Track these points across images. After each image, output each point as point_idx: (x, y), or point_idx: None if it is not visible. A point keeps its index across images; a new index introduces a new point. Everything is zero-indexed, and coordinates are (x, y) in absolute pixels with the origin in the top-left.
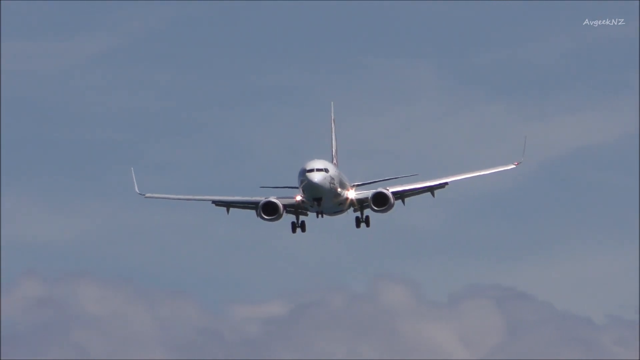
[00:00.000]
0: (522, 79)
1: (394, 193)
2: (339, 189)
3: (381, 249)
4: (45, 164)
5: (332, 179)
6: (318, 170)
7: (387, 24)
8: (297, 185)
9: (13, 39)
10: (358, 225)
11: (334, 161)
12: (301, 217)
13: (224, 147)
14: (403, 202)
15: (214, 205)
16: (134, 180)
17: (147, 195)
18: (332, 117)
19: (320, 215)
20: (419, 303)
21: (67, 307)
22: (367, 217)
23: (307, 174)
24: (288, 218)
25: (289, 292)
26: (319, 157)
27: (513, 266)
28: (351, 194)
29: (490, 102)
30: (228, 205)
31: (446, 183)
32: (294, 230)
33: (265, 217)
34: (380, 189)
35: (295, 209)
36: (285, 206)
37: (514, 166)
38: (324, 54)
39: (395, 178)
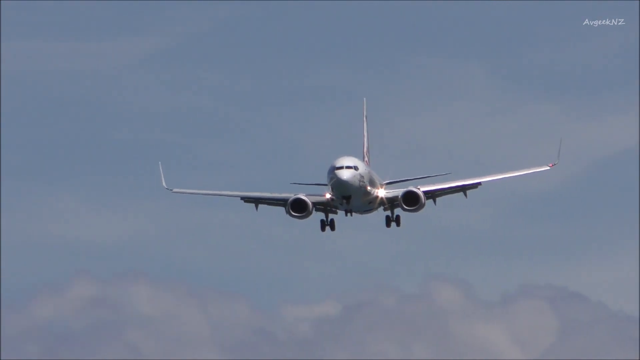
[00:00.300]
0: (571, 79)
1: (425, 192)
2: (368, 187)
3: (418, 248)
4: (94, 164)
5: (362, 176)
6: (347, 167)
7: (437, 24)
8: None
9: (63, 40)
10: (388, 225)
11: (366, 159)
12: (330, 215)
13: (272, 146)
14: (434, 201)
15: (242, 201)
16: (162, 175)
17: (175, 190)
18: (365, 114)
19: (349, 214)
20: (468, 303)
21: (117, 307)
22: (398, 216)
23: (336, 171)
24: (318, 216)
25: (337, 291)
26: (356, 156)
27: (560, 266)
28: (381, 192)
29: (538, 102)
30: (257, 201)
31: (479, 183)
32: (322, 229)
33: (294, 214)
34: (411, 188)
35: (324, 206)
36: (314, 204)
37: (549, 168)
38: (373, 54)
39: (427, 177)
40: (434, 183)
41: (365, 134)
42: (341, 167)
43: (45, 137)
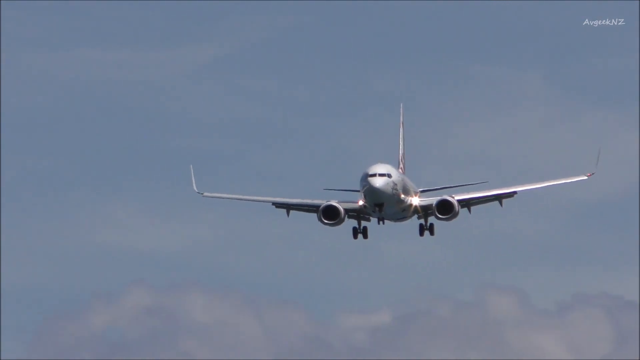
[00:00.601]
0: (629, 88)
1: (460, 201)
2: (402, 195)
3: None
4: (152, 173)
5: (395, 184)
6: (380, 175)
7: (492, 31)
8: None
9: (121, 49)
10: (422, 233)
11: (401, 165)
12: (363, 223)
13: (326, 153)
14: (469, 210)
15: (274, 207)
16: (193, 179)
17: (206, 194)
18: (401, 120)
19: (381, 222)
20: (521, 311)
21: (172, 316)
22: (432, 224)
23: (369, 178)
24: (350, 223)
25: (384, 300)
26: (392, 162)
27: (613, 275)
28: (415, 200)
29: (593, 110)
30: (288, 207)
31: (515, 192)
32: (355, 236)
33: (326, 221)
34: (445, 197)
35: (357, 213)
36: (346, 210)
37: (586, 177)
38: (428, 62)
39: (464, 185)
40: (469, 192)
41: (401, 139)
42: (374, 175)
43: (103, 146)
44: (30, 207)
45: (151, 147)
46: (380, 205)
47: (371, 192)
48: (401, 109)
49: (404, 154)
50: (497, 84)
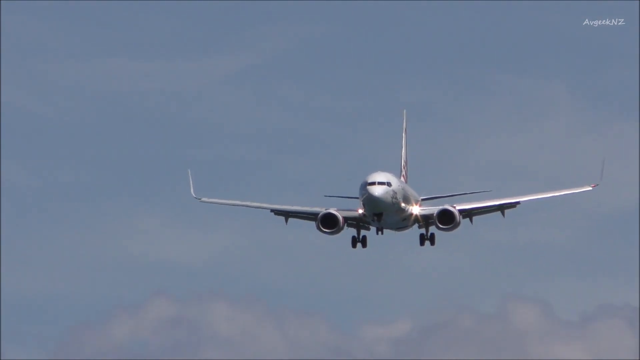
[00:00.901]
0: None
1: (461, 211)
2: (402, 204)
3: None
4: (176, 183)
5: (395, 193)
6: (380, 183)
7: (517, 42)
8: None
9: (149, 60)
10: (422, 243)
11: (403, 172)
12: (362, 232)
13: (351, 161)
14: (471, 220)
15: (272, 214)
16: (191, 184)
17: (203, 199)
18: (404, 127)
19: (380, 232)
20: (544, 323)
21: (194, 327)
22: (433, 234)
23: (368, 187)
24: (350, 231)
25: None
26: (396, 170)
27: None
28: (416, 209)
29: (618, 121)
30: (287, 214)
31: (518, 202)
32: (354, 245)
33: (324, 230)
34: (446, 206)
35: (356, 222)
36: (345, 219)
37: (591, 188)
38: (453, 72)
39: (466, 194)
40: (472, 201)
41: (403, 146)
42: (373, 183)
43: (130, 156)
44: (53, 217)
45: (177, 156)
46: (379, 215)
47: (370, 201)
48: (404, 116)
49: (406, 161)
50: (519, 94)
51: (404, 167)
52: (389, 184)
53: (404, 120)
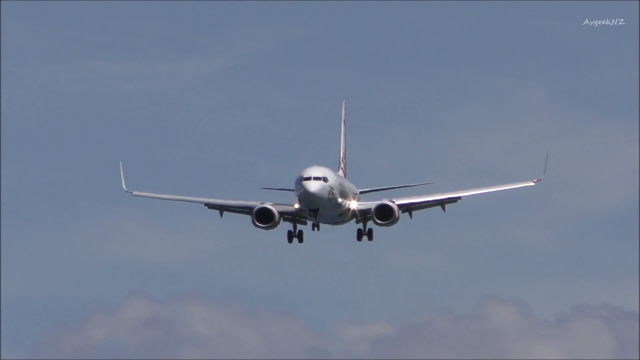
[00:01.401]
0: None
1: (401, 205)
2: (339, 199)
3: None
4: (157, 184)
5: (332, 188)
6: (316, 178)
7: (494, 42)
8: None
9: (127, 60)
10: (359, 238)
11: (342, 165)
12: (299, 227)
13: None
14: (410, 215)
15: (206, 207)
16: (122, 177)
17: (134, 193)
18: (343, 118)
19: (316, 228)
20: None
21: (173, 327)
22: (370, 230)
23: (304, 182)
24: (285, 226)
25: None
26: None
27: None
28: (353, 204)
29: (598, 122)
30: (221, 208)
31: (459, 197)
32: (290, 240)
33: (259, 224)
34: (384, 201)
35: (293, 216)
36: (281, 213)
37: (533, 183)
38: (432, 73)
39: (406, 187)
40: (411, 196)
41: (342, 138)
42: (309, 178)
43: (107, 157)
44: (33, 218)
45: (155, 158)
46: (315, 211)
47: (306, 197)
48: (343, 107)
49: (345, 154)
50: (497, 94)
51: (342, 160)
52: (325, 179)
53: (343, 111)
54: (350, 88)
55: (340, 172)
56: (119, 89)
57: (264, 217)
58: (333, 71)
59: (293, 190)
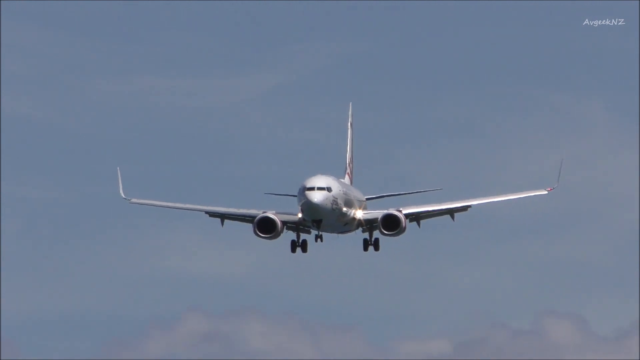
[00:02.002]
0: None
1: (408, 214)
2: (344, 209)
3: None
4: (212, 199)
5: (336, 198)
6: (319, 189)
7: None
8: None
9: (183, 77)
10: (366, 249)
11: (348, 170)
12: (303, 236)
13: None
14: (418, 224)
15: (207, 216)
16: (120, 184)
17: (133, 200)
18: (350, 121)
19: (319, 239)
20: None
21: (230, 343)
22: (377, 239)
23: (307, 192)
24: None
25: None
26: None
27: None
28: (359, 213)
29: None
30: (222, 217)
31: (469, 206)
32: (293, 250)
33: (261, 234)
34: (391, 211)
35: (296, 225)
36: (284, 223)
37: (547, 192)
38: (489, 87)
39: (415, 193)
40: (418, 205)
41: (349, 142)
42: (312, 188)
43: (164, 172)
44: (88, 231)
45: (211, 173)
46: (318, 222)
47: (309, 208)
48: (350, 109)
49: (352, 157)
50: (557, 110)
51: (349, 165)
52: (329, 189)
53: (350, 114)
54: (410, 101)
55: (347, 178)
56: (176, 104)
57: (266, 227)
58: (391, 86)
59: (296, 196)
